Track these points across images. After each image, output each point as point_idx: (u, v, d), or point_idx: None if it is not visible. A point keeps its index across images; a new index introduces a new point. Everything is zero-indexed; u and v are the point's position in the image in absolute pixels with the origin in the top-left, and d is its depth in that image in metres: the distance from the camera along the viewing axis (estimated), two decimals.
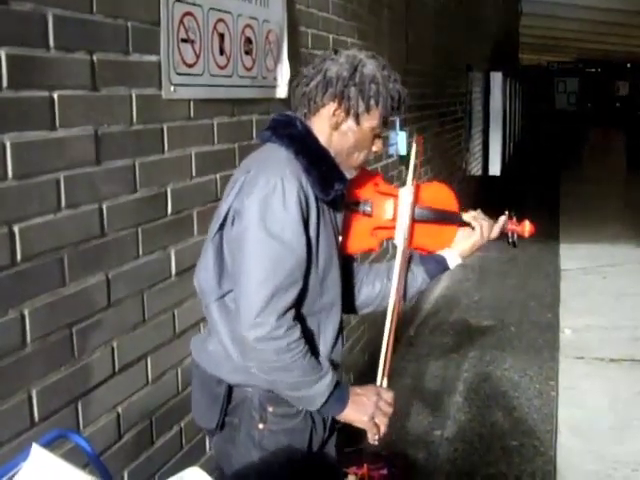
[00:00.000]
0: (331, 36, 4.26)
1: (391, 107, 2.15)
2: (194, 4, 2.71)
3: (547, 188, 15.50)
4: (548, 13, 18.88)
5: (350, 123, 2.14)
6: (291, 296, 2.04)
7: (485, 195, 11.08)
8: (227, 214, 2.10)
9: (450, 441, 4.66)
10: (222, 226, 2.13)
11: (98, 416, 2.35)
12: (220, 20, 2.90)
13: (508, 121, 15.94)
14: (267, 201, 2.00)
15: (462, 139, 9.96)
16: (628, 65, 34.76)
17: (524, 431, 4.79)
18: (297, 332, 2.05)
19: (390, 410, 2.24)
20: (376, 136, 2.20)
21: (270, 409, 2.19)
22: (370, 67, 2.12)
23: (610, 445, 4.57)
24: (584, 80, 37.00)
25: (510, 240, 2.55)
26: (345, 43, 4.52)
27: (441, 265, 2.48)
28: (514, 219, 2.55)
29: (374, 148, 2.22)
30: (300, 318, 2.12)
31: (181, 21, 2.64)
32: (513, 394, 5.35)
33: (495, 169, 13.49)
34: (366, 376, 2.26)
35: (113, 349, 2.40)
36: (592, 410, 5.05)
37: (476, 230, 2.44)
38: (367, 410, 2.18)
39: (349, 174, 2.21)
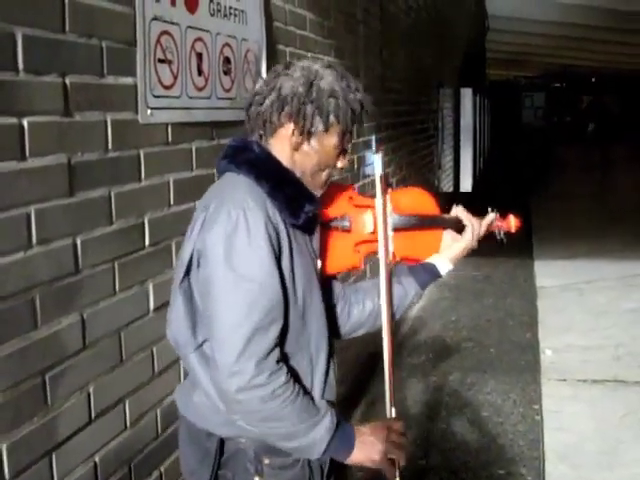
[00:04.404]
0: (309, 54, 4.13)
1: (351, 120, 1.99)
2: (171, 22, 2.56)
3: (518, 203, 15.44)
4: (513, 29, 19.02)
5: (311, 143, 1.98)
6: (271, 337, 1.87)
7: None
8: (192, 257, 1.93)
9: (435, 470, 4.51)
10: (188, 271, 1.96)
11: (74, 467, 2.17)
12: (198, 39, 2.74)
13: (478, 137, 15.94)
14: (230, 237, 1.83)
15: (434, 156, 9.88)
16: (593, 79, 35.14)
17: (510, 459, 4.65)
18: (282, 376, 1.88)
19: (403, 440, 2.09)
20: (341, 152, 2.04)
21: (266, 461, 2.02)
22: (327, 79, 1.95)
23: (599, 471, 4.46)
24: (550, 95, 37.30)
25: (498, 237, 2.47)
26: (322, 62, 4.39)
27: (431, 273, 2.34)
28: (497, 215, 2.45)
29: (339, 164, 2.05)
30: (286, 358, 1.96)
31: (158, 40, 2.48)
32: (497, 419, 5.22)
33: (466, 185, 13.46)
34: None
35: (89, 394, 2.22)
36: (578, 435, 4.93)
37: (467, 229, 2.32)
38: (377, 448, 2.02)
39: (316, 194, 2.05)
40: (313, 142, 1.98)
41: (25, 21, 1.91)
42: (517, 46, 21.85)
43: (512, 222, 2.47)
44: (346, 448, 1.99)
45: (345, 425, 2.01)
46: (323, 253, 2.17)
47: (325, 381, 2.09)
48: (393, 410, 2.18)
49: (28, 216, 1.94)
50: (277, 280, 1.88)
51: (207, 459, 2.05)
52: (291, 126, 1.96)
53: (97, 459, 2.27)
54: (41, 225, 1.98)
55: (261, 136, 2.02)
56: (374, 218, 2.24)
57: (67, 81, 2.07)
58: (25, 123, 1.92)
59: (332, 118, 1.95)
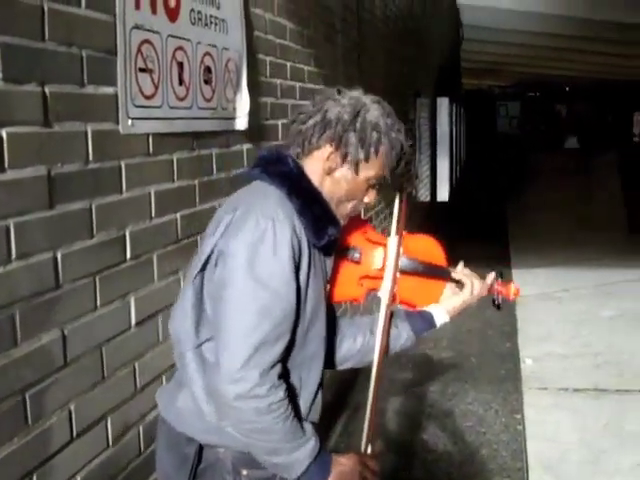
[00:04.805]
0: (289, 64, 4.09)
1: (387, 157, 1.99)
2: (152, 31, 2.51)
3: (495, 212, 15.52)
4: (488, 38, 19.08)
5: (345, 170, 1.99)
6: (278, 350, 1.86)
7: (434, 221, 10.99)
8: (210, 255, 1.91)
9: None
10: (204, 268, 1.94)
11: None
12: (179, 48, 2.70)
13: (454, 146, 15.97)
14: (256, 245, 1.82)
15: (412, 165, 9.86)
16: (567, 88, 35.36)
17: (494, 469, 4.62)
18: (281, 392, 1.86)
19: (375, 479, 2.09)
20: (370, 187, 2.04)
21: (244, 472, 2.00)
22: (374, 113, 1.97)
23: None
24: (526, 104, 37.43)
25: (496, 302, 2.44)
26: (302, 71, 4.36)
27: (427, 322, 2.33)
28: (500, 280, 2.43)
29: (366, 199, 2.06)
30: (284, 374, 1.93)
31: (139, 49, 2.43)
32: (479, 429, 5.19)
33: (443, 195, 13.47)
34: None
35: (70, 412, 2.15)
36: (561, 444, 4.91)
37: (467, 287, 2.31)
38: None
39: None
40: (347, 170, 1.99)
41: (4, 29, 1.85)
42: (491, 56, 21.92)
43: (512, 290, 2.43)
44: (322, 475, 1.97)
45: (325, 453, 2.00)
46: (330, 279, 2.16)
47: (313, 402, 2.08)
48: (369, 448, 2.17)
49: (7, 229, 1.88)
50: (293, 294, 1.87)
51: (184, 466, 2.03)
52: (328, 149, 1.98)
53: (79, 479, 2.21)
54: (21, 239, 1.92)
55: (298, 154, 2.03)
56: (384, 256, 2.24)
57: (47, 90, 2.01)
58: (4, 134, 1.86)
59: (372, 150, 1.96)
